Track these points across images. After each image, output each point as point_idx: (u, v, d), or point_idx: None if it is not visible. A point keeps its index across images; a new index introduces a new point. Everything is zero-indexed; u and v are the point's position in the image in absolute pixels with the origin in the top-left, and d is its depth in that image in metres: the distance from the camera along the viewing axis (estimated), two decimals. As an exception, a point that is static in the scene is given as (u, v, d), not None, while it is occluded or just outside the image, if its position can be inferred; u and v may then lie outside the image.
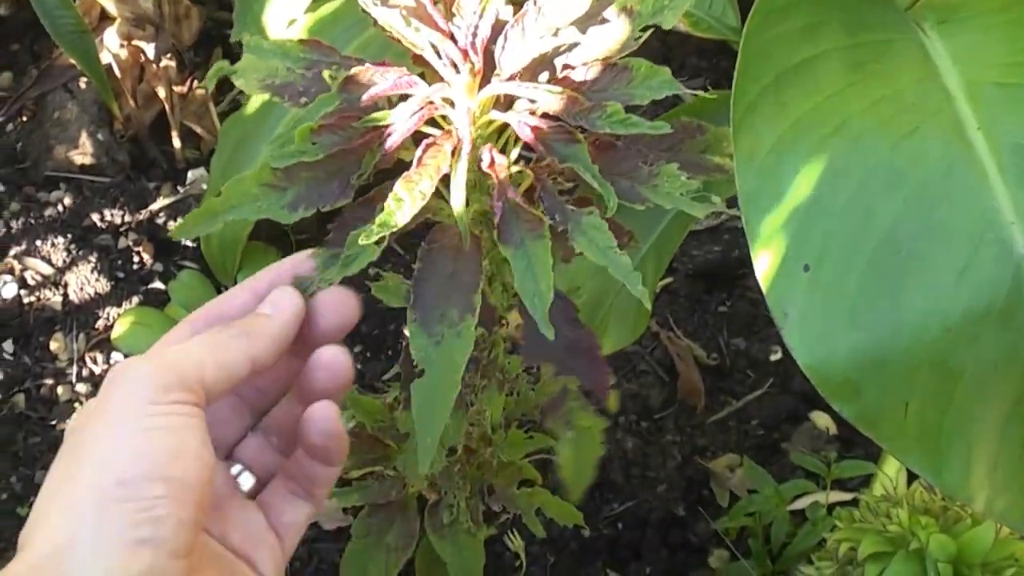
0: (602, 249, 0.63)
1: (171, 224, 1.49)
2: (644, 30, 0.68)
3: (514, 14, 0.68)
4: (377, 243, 0.62)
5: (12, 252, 1.45)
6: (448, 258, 0.66)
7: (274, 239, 1.39)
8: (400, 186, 0.62)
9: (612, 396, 0.79)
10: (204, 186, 1.49)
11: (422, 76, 0.68)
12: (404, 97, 0.66)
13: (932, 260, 0.71)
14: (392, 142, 0.65)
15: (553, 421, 0.82)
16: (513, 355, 0.84)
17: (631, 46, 0.68)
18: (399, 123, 0.64)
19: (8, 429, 1.34)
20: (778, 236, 0.72)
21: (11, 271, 1.44)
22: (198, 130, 1.54)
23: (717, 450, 1.34)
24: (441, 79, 0.66)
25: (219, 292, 1.37)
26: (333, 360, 0.62)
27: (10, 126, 1.57)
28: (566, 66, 0.68)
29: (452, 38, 0.66)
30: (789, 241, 0.72)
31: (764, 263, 0.71)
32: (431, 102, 0.66)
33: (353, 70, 0.65)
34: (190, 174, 1.53)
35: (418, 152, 0.63)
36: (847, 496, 1.20)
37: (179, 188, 1.52)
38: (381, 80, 0.65)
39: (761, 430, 1.36)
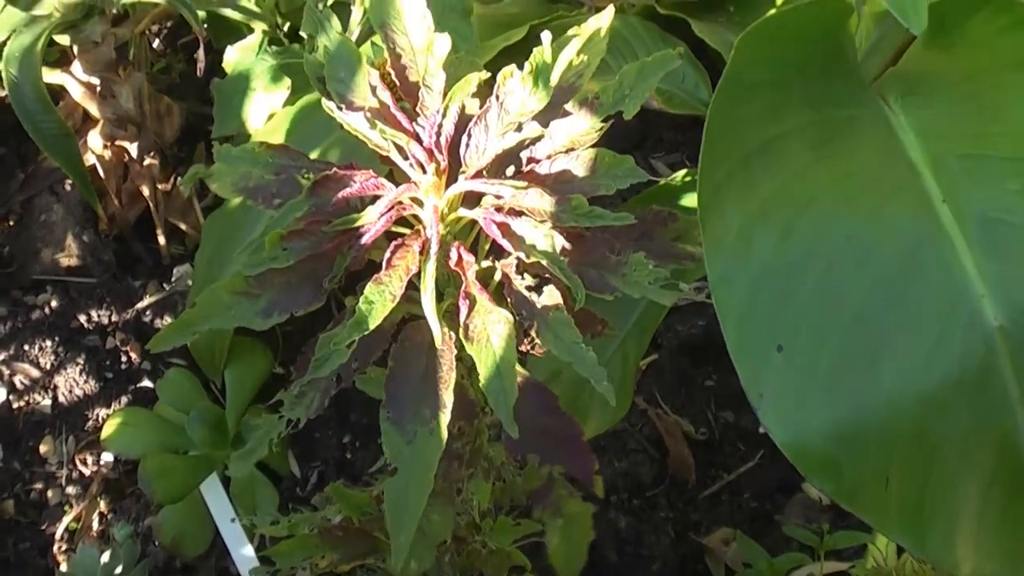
0: (568, 345, 0.63)
1: (158, 322, 1.49)
2: (607, 120, 0.69)
3: (481, 105, 0.69)
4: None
5: (1, 357, 1.46)
6: (421, 355, 0.67)
7: (260, 334, 1.39)
8: (370, 289, 0.63)
9: (598, 481, 0.79)
10: (190, 282, 1.49)
11: (391, 175, 0.69)
12: (374, 198, 0.67)
13: (904, 335, 0.71)
14: (362, 244, 0.65)
15: (542, 510, 0.82)
16: (498, 443, 0.84)
17: (595, 136, 0.69)
18: (368, 226, 0.65)
19: (-2, 535, 1.33)
20: (750, 318, 0.72)
21: (0, 376, 1.44)
22: (183, 226, 1.55)
23: (711, 524, 1.33)
24: (408, 179, 0.67)
25: (207, 388, 1.38)
26: None
27: (-3, 231, 1.58)
28: (531, 159, 0.69)
29: (417, 138, 0.67)
30: (761, 322, 0.72)
31: (737, 345, 0.72)
32: (400, 202, 0.66)
33: (320, 174, 0.66)
34: (176, 270, 1.54)
35: (387, 254, 0.64)
36: (843, 566, 1.20)
37: (165, 285, 1.52)
38: (348, 184, 0.66)
39: (754, 502, 1.35)
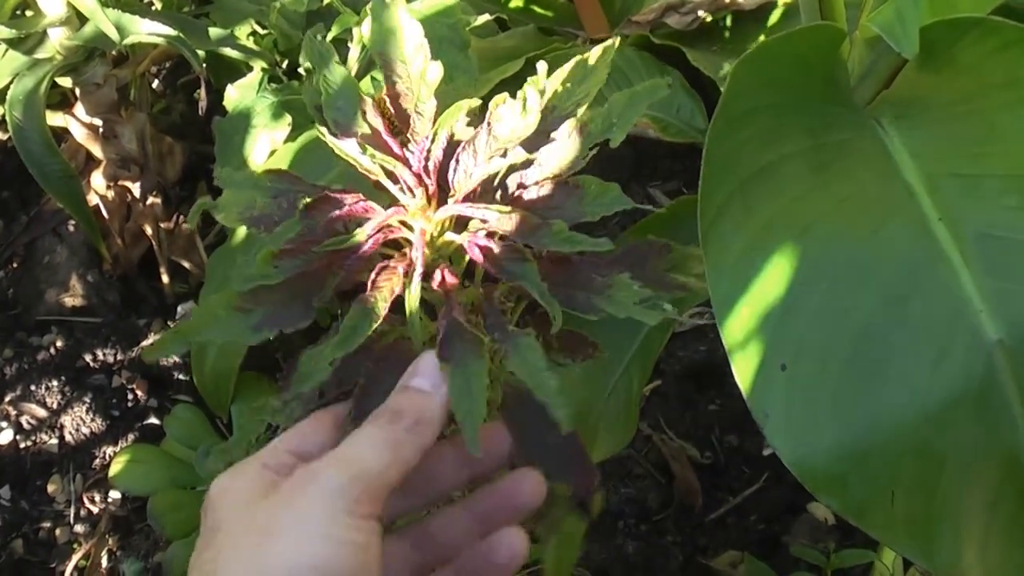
0: (533, 369, 0.63)
1: (163, 359, 1.49)
2: (594, 147, 0.70)
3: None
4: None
5: (7, 398, 1.46)
6: (393, 373, 0.67)
7: (266, 368, 1.39)
8: (354, 309, 0.64)
9: (597, 498, 0.79)
10: (194, 319, 1.50)
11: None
12: (365, 220, 0.68)
13: (906, 352, 0.71)
14: (351, 265, 0.66)
15: (541, 527, 0.82)
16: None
17: (581, 163, 0.70)
18: (356, 247, 0.66)
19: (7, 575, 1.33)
20: (753, 338, 0.72)
21: (6, 417, 1.45)
22: (186, 265, 1.55)
23: (718, 548, 1.33)
24: (398, 203, 0.68)
25: (214, 424, 1.38)
26: (513, 542, 0.66)
27: (1, 273, 1.59)
28: (520, 185, 0.70)
29: (406, 162, 0.68)
30: (765, 343, 0.72)
31: (741, 365, 0.72)
32: (389, 225, 0.67)
33: (313, 197, 0.67)
34: (180, 308, 1.54)
35: (372, 275, 0.65)
36: (851, 585, 1.20)
37: (169, 323, 1.53)
38: (339, 206, 0.67)
39: (761, 524, 1.35)
